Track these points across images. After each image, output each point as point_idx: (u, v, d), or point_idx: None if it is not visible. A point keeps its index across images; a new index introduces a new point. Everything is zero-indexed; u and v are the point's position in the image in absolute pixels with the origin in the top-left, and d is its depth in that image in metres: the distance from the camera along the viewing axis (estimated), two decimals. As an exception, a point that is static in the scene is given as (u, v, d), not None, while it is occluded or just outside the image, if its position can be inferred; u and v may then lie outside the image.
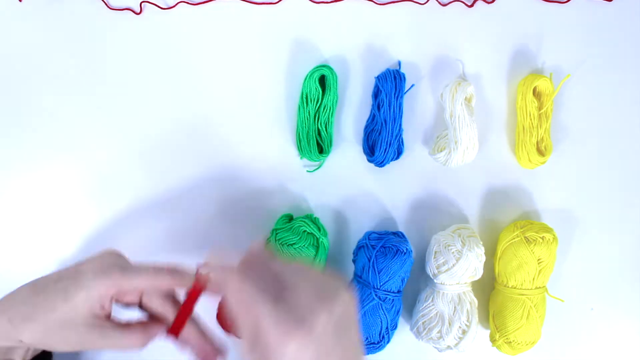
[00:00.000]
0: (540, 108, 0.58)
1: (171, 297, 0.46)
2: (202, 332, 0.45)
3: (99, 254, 0.44)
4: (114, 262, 0.43)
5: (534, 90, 0.58)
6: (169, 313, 0.45)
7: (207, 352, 0.44)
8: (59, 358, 0.51)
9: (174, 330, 0.44)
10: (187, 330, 0.44)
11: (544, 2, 0.59)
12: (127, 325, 0.44)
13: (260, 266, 0.39)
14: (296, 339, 0.34)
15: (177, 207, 0.60)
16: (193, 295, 0.43)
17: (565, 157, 0.60)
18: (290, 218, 0.57)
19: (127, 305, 0.46)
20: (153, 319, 0.46)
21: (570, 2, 0.59)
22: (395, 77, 0.57)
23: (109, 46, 0.58)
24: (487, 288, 0.61)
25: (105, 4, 0.58)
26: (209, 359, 0.45)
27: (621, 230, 0.62)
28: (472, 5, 0.59)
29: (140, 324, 0.44)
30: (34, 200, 0.59)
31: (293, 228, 0.55)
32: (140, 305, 0.46)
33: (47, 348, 0.43)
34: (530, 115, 0.58)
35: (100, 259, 0.43)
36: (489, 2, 0.59)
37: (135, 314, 0.46)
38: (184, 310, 0.44)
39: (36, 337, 0.41)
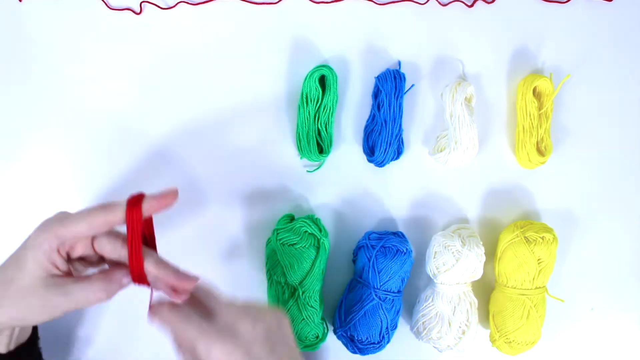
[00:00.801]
0: (540, 108, 0.58)
1: (121, 237, 0.44)
2: (163, 265, 0.43)
3: (45, 219, 0.44)
4: (53, 218, 0.43)
5: (534, 90, 0.58)
6: (122, 254, 0.43)
7: (173, 284, 0.43)
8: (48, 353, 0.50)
9: (134, 270, 0.42)
10: (148, 266, 0.42)
11: (544, 2, 0.59)
12: (88, 278, 0.43)
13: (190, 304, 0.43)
14: (218, 345, 0.39)
15: (177, 208, 0.59)
16: (134, 225, 0.41)
17: (565, 157, 0.60)
18: (291, 218, 0.57)
19: (87, 261, 0.45)
20: (116, 267, 0.44)
21: (570, 2, 0.59)
22: (395, 77, 0.57)
23: (109, 46, 0.58)
24: (487, 288, 0.61)
25: (105, 4, 0.58)
26: (179, 292, 0.43)
27: (621, 230, 0.62)
28: (472, 5, 0.59)
29: (101, 273, 0.43)
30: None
31: (294, 228, 0.55)
32: (102, 259, 0.45)
33: (21, 323, 0.43)
34: (530, 115, 0.58)
35: (43, 221, 0.43)
36: (489, 2, 0.59)
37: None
38: (133, 245, 0.41)
39: (7, 314, 0.41)
